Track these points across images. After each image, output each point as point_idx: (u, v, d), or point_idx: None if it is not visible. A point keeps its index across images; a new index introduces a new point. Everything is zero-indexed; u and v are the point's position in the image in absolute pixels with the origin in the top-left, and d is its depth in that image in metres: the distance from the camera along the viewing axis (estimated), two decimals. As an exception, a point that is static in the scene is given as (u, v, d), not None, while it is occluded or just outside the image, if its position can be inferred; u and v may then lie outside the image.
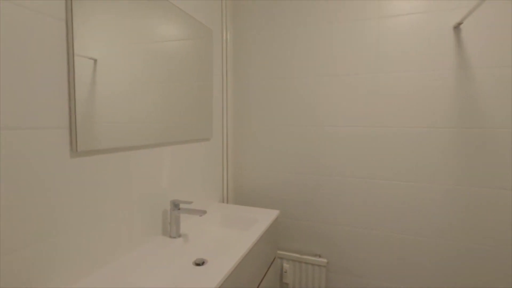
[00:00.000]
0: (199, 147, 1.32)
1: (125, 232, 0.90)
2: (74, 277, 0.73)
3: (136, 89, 0.92)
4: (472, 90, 1.23)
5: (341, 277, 1.50)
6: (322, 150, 1.48)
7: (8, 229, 0.58)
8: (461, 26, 1.23)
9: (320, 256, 1.52)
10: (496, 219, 1.23)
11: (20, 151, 0.60)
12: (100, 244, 0.81)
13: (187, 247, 1.05)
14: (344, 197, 1.46)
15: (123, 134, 0.86)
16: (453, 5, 1.24)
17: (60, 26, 0.67)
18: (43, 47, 0.63)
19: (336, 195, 1.47)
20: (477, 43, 1.21)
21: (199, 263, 0.98)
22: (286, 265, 1.55)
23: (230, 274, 0.84)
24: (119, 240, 0.87)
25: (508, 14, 1.17)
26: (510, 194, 1.20)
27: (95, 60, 0.76)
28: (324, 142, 1.48)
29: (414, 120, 1.32)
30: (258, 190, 1.63)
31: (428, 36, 1.28)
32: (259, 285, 1.13)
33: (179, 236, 1.06)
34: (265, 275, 1.21)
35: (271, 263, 1.31)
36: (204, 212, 1.02)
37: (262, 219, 1.26)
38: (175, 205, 1.04)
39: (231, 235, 1.23)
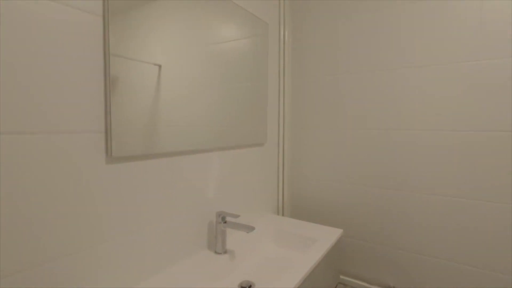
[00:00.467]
0: (252, 153, 1.21)
1: (168, 243, 0.83)
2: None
3: (189, 93, 0.87)
4: None
5: (424, 320, 1.19)
6: (396, 159, 1.21)
7: (45, 234, 0.55)
8: None
9: (395, 290, 1.24)
10: None
11: (58, 155, 0.57)
12: (140, 255, 0.75)
13: (233, 266, 0.94)
14: (425, 218, 1.16)
15: (167, 139, 0.80)
16: None
17: (97, 28, 0.63)
18: (80, 52, 0.60)
19: (414, 215, 1.18)
20: None
21: (245, 287, 0.85)
22: (350, 295, 1.31)
23: (277, 311, 0.69)
24: (161, 252, 0.81)
25: None
26: None
27: (160, 66, 0.77)
28: (400, 150, 1.20)
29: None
30: (319, 203, 1.43)
31: None
32: (316, 320, 0.95)
33: (225, 252, 0.96)
34: (324, 307, 1.02)
35: (332, 293, 1.10)
36: (252, 228, 0.89)
37: (322, 238, 1.07)
38: (222, 218, 0.94)
39: (285, 255, 1.07)
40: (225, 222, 0.94)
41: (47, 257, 0.56)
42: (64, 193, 0.58)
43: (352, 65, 1.30)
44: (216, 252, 0.95)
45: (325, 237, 1.08)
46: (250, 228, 0.89)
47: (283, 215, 1.46)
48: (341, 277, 1.37)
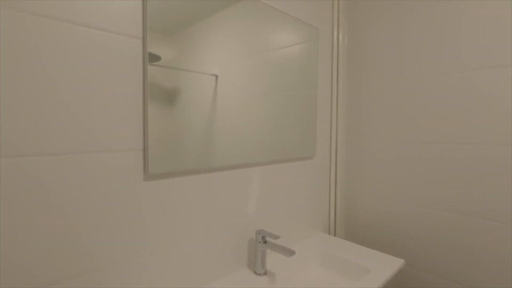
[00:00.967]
0: (298, 167, 1.13)
1: (206, 260, 0.82)
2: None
3: (237, 105, 0.87)
4: None
5: None
6: (477, 180, 0.98)
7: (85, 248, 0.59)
8: None
9: None
10: None
11: (102, 173, 0.61)
12: (178, 270, 0.75)
13: (272, 290, 0.88)
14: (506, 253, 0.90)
15: (208, 154, 0.79)
16: None
17: (137, 47, 0.65)
18: (119, 70, 0.63)
19: (499, 250, 0.93)
20: None
21: (284, 316, 0.78)
22: (416, 337, 1.11)
23: None
24: (199, 268, 0.80)
25: None
26: None
27: (217, 76, 0.81)
28: (483, 168, 0.97)
29: None
30: (377, 225, 1.26)
31: None
32: None
33: (265, 273, 0.90)
34: None
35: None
36: (292, 253, 0.82)
37: (378, 268, 0.93)
38: (262, 238, 0.89)
39: (332, 282, 0.96)
40: (264, 242, 0.88)
41: (93, 267, 0.60)
42: (106, 208, 0.62)
43: (421, 67, 1.11)
44: (255, 273, 0.90)
45: (383, 267, 0.94)
46: (290, 252, 0.82)
47: (335, 235, 1.33)
48: (404, 313, 1.17)
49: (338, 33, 1.30)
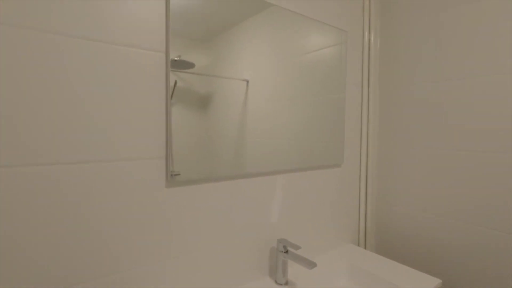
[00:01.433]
0: (325, 175, 1.10)
1: (228, 267, 0.83)
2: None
3: (266, 110, 0.89)
4: None
5: None
6: (537, 195, 0.86)
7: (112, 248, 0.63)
8: None
9: None
10: None
11: (126, 179, 0.65)
12: (201, 275, 0.77)
13: (293, 302, 0.86)
14: None
15: (234, 160, 0.81)
16: None
17: (160, 60, 0.69)
18: (143, 83, 0.67)
19: None
20: None
21: (305, 330, 0.76)
22: None
23: None
24: (220, 275, 0.81)
25: None
26: None
27: (248, 81, 0.84)
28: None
29: None
30: (411, 238, 1.17)
31: None
32: None
33: (286, 283, 0.89)
34: None
35: None
36: (314, 265, 0.79)
37: (410, 287, 0.86)
38: (283, 247, 0.88)
39: (359, 298, 0.91)
40: (286, 252, 0.87)
41: (117, 267, 0.64)
42: (130, 214, 0.66)
43: (462, 68, 1.02)
44: (276, 283, 0.89)
45: (415, 286, 0.87)
46: (311, 264, 0.79)
47: (365, 247, 1.26)
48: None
49: (369, 35, 1.24)
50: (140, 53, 0.66)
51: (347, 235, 1.21)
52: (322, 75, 1.04)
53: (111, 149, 0.63)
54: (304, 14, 0.98)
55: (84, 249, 0.61)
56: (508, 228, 0.91)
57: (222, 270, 0.82)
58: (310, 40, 1.00)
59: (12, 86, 0.52)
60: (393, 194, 1.23)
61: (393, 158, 1.23)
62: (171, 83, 0.70)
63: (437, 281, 0.91)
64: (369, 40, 1.25)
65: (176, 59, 0.71)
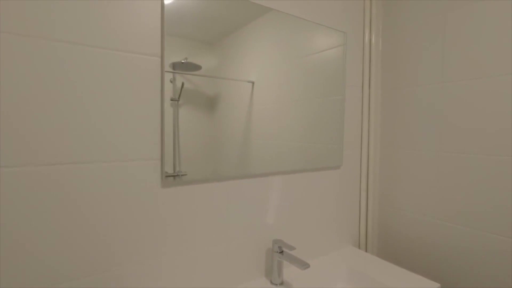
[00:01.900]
0: (323, 177, 1.10)
1: (223, 267, 0.84)
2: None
3: (267, 113, 0.91)
4: None
5: None
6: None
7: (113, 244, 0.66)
8: None
9: None
10: None
11: (123, 179, 0.68)
12: (197, 274, 0.79)
13: (288, 302, 0.86)
14: None
15: (233, 163, 0.82)
16: None
17: (155, 65, 0.72)
18: (140, 87, 0.70)
19: None
20: None
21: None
22: None
23: None
24: (215, 275, 0.83)
25: None
26: None
27: (253, 83, 0.86)
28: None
29: None
30: (414, 242, 1.15)
31: None
32: None
33: (281, 283, 0.89)
34: None
35: None
36: (307, 265, 0.80)
37: (406, 292, 0.85)
38: (278, 248, 0.88)
39: (355, 301, 0.91)
40: (281, 252, 0.88)
41: (114, 263, 0.67)
42: (126, 213, 0.68)
43: (467, 69, 1.00)
44: (272, 283, 0.90)
45: (413, 291, 0.86)
46: (304, 265, 0.80)
47: (366, 250, 1.25)
48: None
49: (370, 36, 1.24)
50: (137, 58, 0.69)
51: (347, 237, 1.20)
52: (323, 76, 1.05)
53: (108, 150, 0.66)
54: (302, 16, 0.99)
55: (82, 247, 0.64)
56: (508, 232, 0.89)
57: (218, 269, 0.84)
58: (311, 42, 1.01)
59: (13, 89, 0.56)
60: (395, 197, 1.22)
61: (395, 160, 1.22)
62: (178, 85, 0.73)
63: (435, 285, 0.89)
64: (370, 41, 1.24)
65: (183, 61, 0.73)
